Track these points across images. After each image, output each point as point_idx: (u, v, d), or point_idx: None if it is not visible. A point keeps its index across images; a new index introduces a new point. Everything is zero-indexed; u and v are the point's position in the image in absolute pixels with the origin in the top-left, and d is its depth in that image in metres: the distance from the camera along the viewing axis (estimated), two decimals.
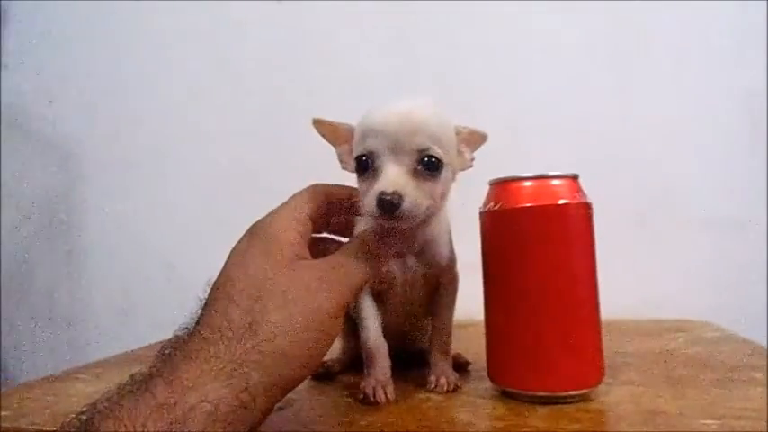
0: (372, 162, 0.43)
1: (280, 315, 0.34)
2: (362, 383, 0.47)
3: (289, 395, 0.47)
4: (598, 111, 0.89)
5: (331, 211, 0.45)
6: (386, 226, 0.43)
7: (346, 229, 0.48)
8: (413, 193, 0.41)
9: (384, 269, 0.47)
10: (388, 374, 0.48)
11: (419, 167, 0.43)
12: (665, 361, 0.56)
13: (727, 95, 0.87)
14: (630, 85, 0.90)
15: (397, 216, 0.41)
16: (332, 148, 0.50)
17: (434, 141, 0.43)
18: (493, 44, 0.93)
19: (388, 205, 0.40)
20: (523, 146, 0.87)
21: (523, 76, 0.92)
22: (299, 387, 0.50)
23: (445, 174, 0.44)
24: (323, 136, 0.50)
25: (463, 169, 0.48)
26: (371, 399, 0.45)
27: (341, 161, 0.49)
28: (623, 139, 0.89)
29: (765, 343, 0.63)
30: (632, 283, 0.86)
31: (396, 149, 0.42)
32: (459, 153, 0.47)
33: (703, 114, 0.88)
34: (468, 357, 0.57)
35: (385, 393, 0.46)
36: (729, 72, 0.87)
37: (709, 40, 0.88)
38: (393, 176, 0.42)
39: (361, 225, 0.48)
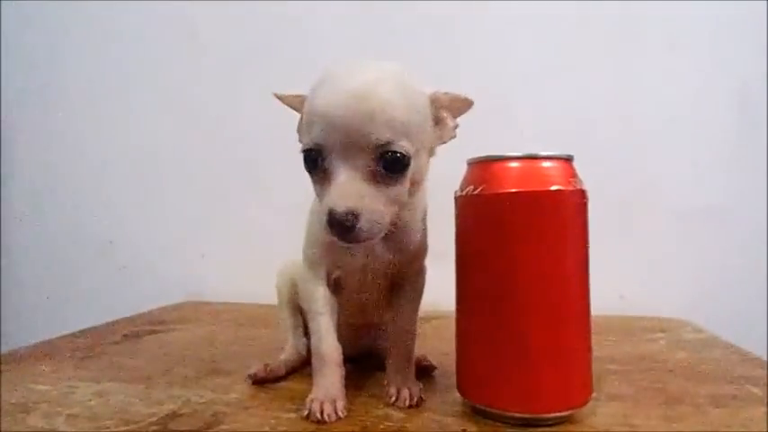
0: (321, 160, 0.35)
1: None
2: (309, 396, 0.40)
3: (220, 408, 0.40)
4: (585, 97, 0.83)
5: None
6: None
7: None
8: (371, 207, 0.34)
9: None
10: (340, 387, 0.41)
11: (379, 168, 0.34)
12: (652, 369, 0.50)
13: (717, 87, 0.82)
14: (619, 73, 0.83)
15: (352, 237, 0.34)
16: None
17: (398, 132, 0.34)
18: (483, 22, 0.85)
19: (340, 227, 0.33)
20: (504, 128, 0.79)
21: (511, 60, 0.84)
22: (234, 398, 0.43)
23: (416, 164, 0.36)
24: (289, 106, 0.41)
25: (444, 142, 0.40)
26: (318, 416, 0.38)
27: (298, 131, 0.41)
28: (607, 128, 0.82)
29: (742, 343, 0.59)
30: (605, 277, 0.81)
31: (348, 146, 0.34)
32: (439, 123, 0.39)
33: (691, 105, 0.82)
34: (434, 360, 0.50)
35: (335, 410, 0.38)
36: (720, 63, 0.82)
37: (701, 30, 0.82)
38: (345, 188, 0.34)
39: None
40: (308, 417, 0.38)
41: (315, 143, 0.35)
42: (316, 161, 0.35)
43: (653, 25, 0.83)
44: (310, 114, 0.35)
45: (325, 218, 0.34)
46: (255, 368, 0.47)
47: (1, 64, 0.99)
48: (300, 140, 0.39)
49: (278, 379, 0.47)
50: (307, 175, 0.38)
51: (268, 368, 0.47)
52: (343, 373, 0.41)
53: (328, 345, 0.41)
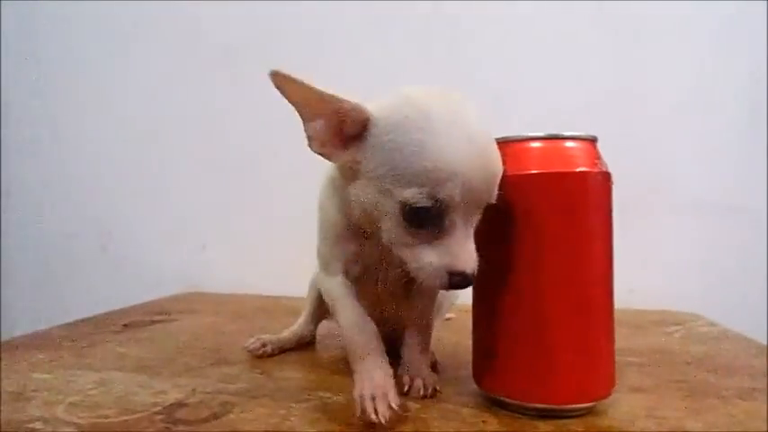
0: (439, 215, 0.32)
1: None
2: (355, 391, 0.36)
3: (227, 398, 0.39)
4: (594, 89, 0.81)
5: None
6: None
7: None
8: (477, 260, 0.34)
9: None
10: (388, 375, 0.36)
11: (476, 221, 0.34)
12: (671, 362, 0.49)
13: (727, 79, 0.80)
14: (629, 66, 0.81)
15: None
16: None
17: None
18: (484, 21, 0.83)
19: (462, 284, 0.33)
20: (506, 126, 0.78)
21: (513, 58, 0.82)
22: (242, 387, 0.41)
23: None
24: (288, 99, 0.34)
25: None
26: (373, 418, 0.33)
27: (312, 137, 0.35)
28: (618, 120, 0.81)
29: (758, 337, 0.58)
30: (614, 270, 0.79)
31: (474, 205, 0.33)
32: None
33: (702, 98, 0.81)
34: (447, 352, 0.49)
35: (389, 406, 0.34)
36: (730, 56, 0.80)
37: (711, 22, 0.80)
38: (468, 248, 0.33)
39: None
40: (363, 414, 0.34)
41: (442, 200, 0.32)
42: (431, 215, 0.32)
43: (661, 16, 0.81)
44: (440, 170, 0.31)
45: (445, 279, 0.33)
46: (252, 344, 0.51)
47: (1, 63, 0.98)
48: (312, 137, 0.35)
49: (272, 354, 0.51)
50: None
51: (262, 344, 0.51)
52: (386, 357, 0.38)
53: (363, 328, 0.39)
